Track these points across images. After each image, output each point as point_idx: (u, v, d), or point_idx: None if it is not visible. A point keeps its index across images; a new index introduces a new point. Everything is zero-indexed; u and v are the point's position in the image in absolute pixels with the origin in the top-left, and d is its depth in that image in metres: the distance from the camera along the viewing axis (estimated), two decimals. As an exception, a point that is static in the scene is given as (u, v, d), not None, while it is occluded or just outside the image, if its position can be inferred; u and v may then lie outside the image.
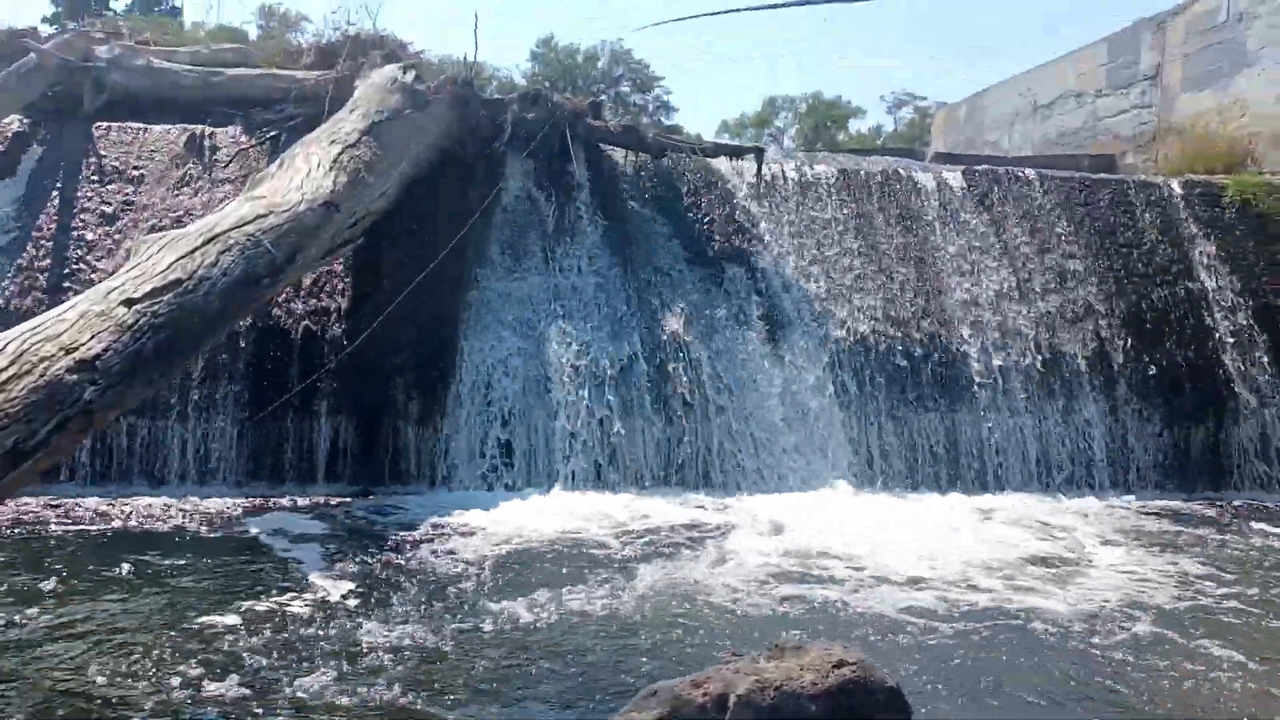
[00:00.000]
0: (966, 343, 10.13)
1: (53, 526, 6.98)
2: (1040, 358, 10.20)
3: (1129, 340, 10.50)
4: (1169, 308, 10.76)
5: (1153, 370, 10.35)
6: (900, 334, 10.06)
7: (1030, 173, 11.77)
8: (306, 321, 8.97)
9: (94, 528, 7.03)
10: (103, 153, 9.88)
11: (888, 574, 6.25)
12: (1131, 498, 9.56)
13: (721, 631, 5.08)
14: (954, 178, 11.47)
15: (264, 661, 4.42)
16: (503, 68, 25.21)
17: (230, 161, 10.03)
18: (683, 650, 4.75)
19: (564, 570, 6.22)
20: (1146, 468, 10.03)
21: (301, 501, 8.17)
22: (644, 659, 4.66)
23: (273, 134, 10.24)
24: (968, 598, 5.84)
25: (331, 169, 7.73)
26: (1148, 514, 8.87)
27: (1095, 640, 5.15)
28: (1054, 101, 16.87)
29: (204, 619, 4.99)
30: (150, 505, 7.74)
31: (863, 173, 11.36)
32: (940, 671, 4.58)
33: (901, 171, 11.54)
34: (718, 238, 10.56)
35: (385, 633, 4.86)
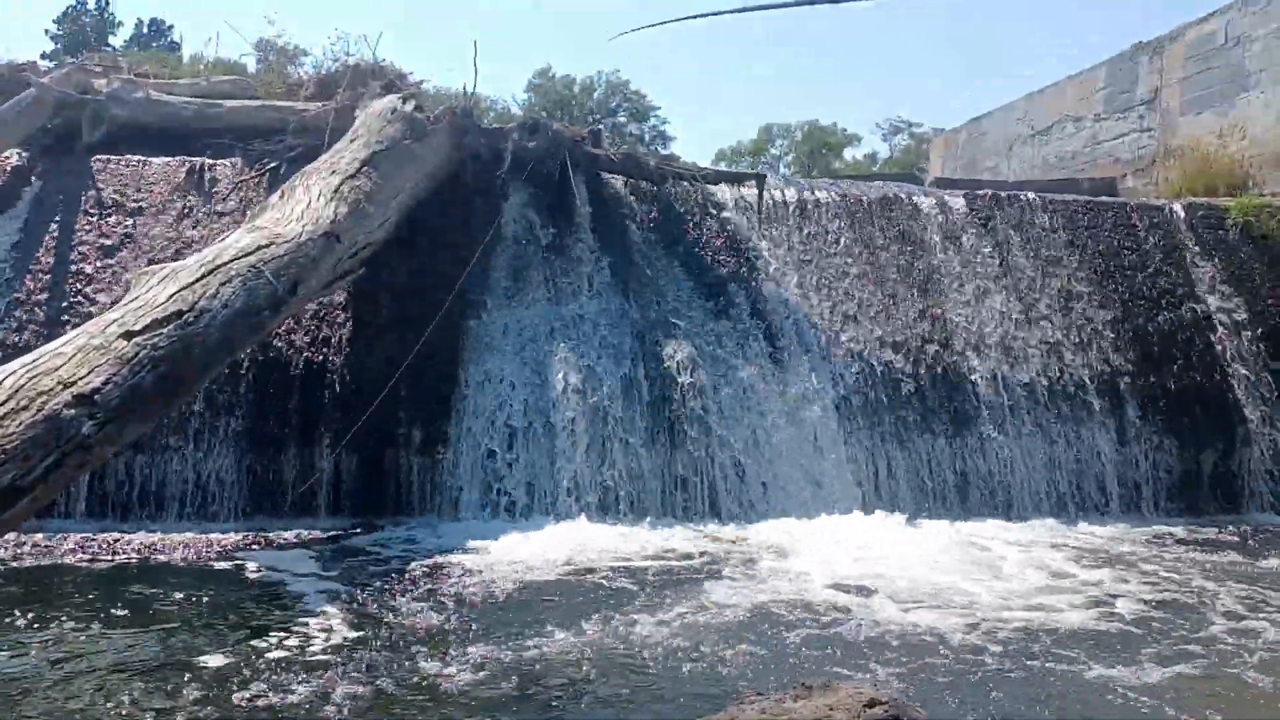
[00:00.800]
0: (972, 367, 10.05)
1: (50, 562, 6.85)
2: (1047, 382, 10.13)
3: (1136, 364, 10.44)
4: (1175, 330, 10.70)
5: (1160, 393, 10.29)
6: (905, 358, 9.99)
7: (1032, 196, 11.75)
8: (307, 353, 8.89)
9: (91, 563, 6.90)
10: (102, 185, 9.83)
11: (907, 605, 6.11)
12: (1142, 522, 9.47)
13: (738, 668, 4.93)
14: (956, 202, 11.44)
15: (259, 701, 4.30)
16: (500, 99, 25.37)
17: (230, 193, 9.98)
18: (697, 689, 4.60)
19: (569, 605, 6.08)
20: (1157, 492, 9.94)
21: (303, 535, 8.03)
22: (656, 699, 4.52)
23: (272, 165, 10.20)
24: (996, 629, 5.69)
25: (332, 199, 7.68)
26: (1166, 540, 8.77)
27: (1144, 668, 5.03)
28: (1052, 126, 16.92)
29: (200, 657, 4.86)
30: (149, 540, 7.60)
31: (864, 198, 11.33)
32: (977, 709, 4.44)
33: (903, 196, 11.52)
34: (719, 264, 10.51)
35: (386, 672, 4.73)
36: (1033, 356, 10.27)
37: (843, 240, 10.83)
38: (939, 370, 9.98)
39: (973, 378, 9.98)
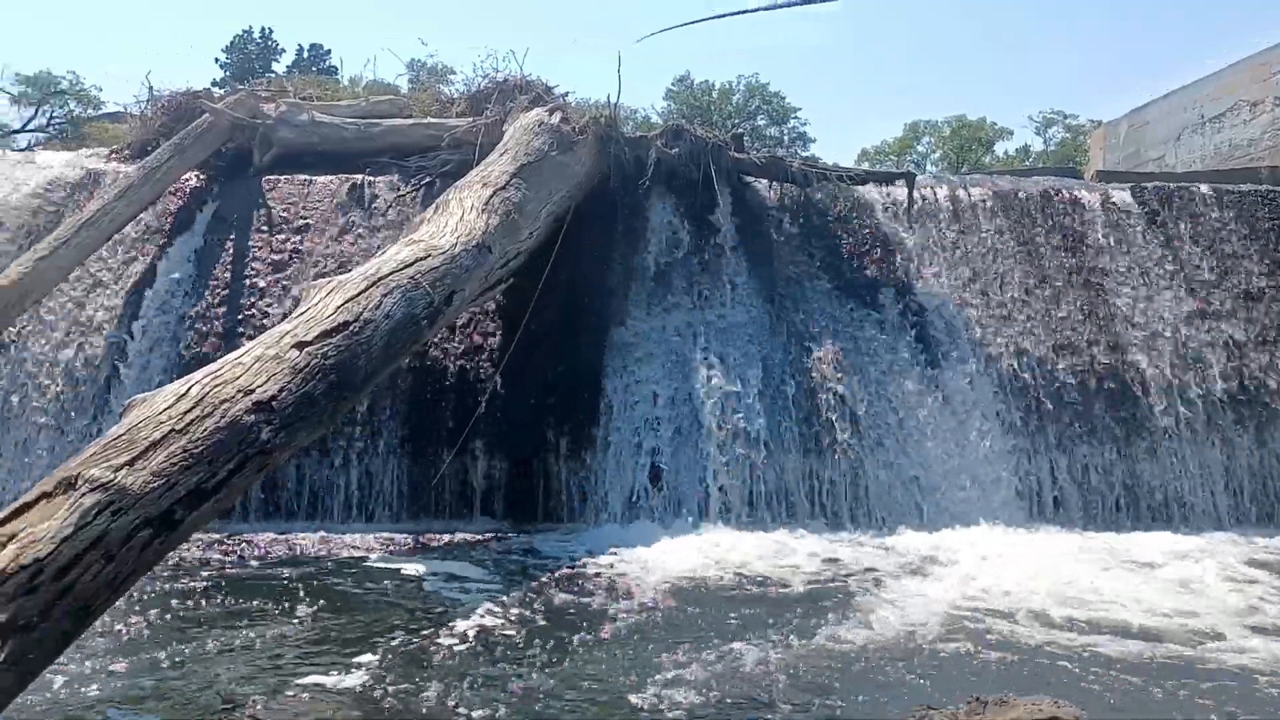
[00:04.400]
0: (1143, 370, 9.51)
1: (227, 561, 7.27)
2: (1226, 385, 9.49)
3: (1327, 364, 9.67)
4: (1373, 327, 9.87)
5: (1356, 396, 9.49)
6: (1068, 362, 9.54)
7: (1205, 188, 11.06)
8: (461, 361, 9.16)
9: (261, 562, 7.28)
10: (271, 204, 10.39)
11: (1077, 618, 5.81)
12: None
13: (902, 682, 4.78)
14: (1122, 196, 10.88)
15: (413, 700, 4.42)
16: (639, 108, 25.56)
17: (388, 208, 10.39)
18: (860, 704, 4.48)
19: (720, 613, 6.03)
20: (1354, 503, 9.16)
21: (457, 537, 8.27)
22: (821, 713, 4.42)
23: (427, 180, 10.57)
24: (1173, 648, 5.35)
25: (483, 212, 7.86)
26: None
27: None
28: (1225, 113, 15.83)
29: (361, 656, 5.05)
30: (314, 540, 7.97)
31: (1020, 194, 10.90)
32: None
33: (1063, 191, 11.01)
34: (867, 266, 10.29)
35: (537, 677, 4.78)
36: (1209, 358, 9.64)
37: (999, 238, 10.44)
38: (1106, 373, 9.47)
39: (1144, 381, 9.43)
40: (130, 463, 3.75)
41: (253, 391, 4.28)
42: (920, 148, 33.42)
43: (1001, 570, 6.99)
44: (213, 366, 4.47)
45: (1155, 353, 9.64)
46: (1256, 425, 9.33)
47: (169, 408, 4.03)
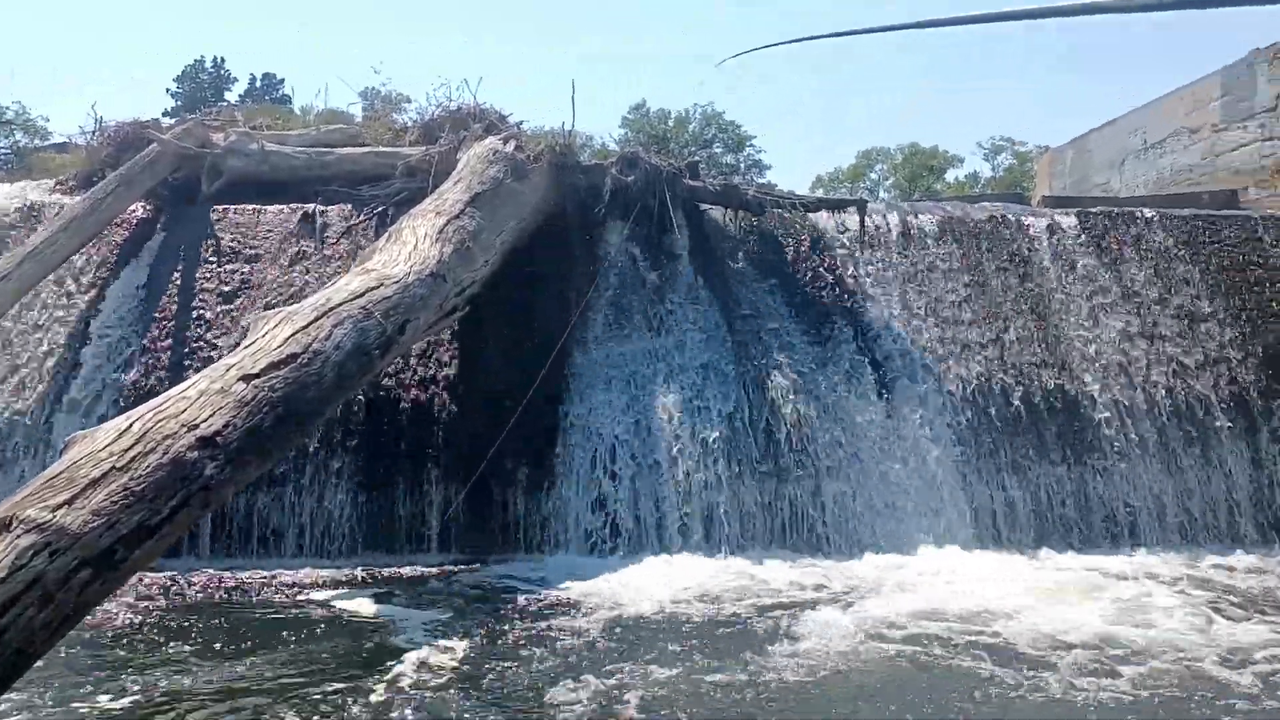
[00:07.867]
0: (1091, 391, 9.66)
1: (175, 599, 7.08)
2: (1172, 404, 9.67)
3: (1268, 383, 9.89)
4: (1311, 347, 10.11)
5: (1297, 414, 9.70)
6: (1018, 384, 9.66)
7: (1149, 212, 11.32)
8: (416, 390, 9.06)
9: (211, 600, 7.10)
10: (220, 234, 10.24)
11: (1044, 645, 5.83)
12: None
13: (860, 709, 4.76)
14: (1067, 220, 11.09)
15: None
16: (596, 135, 25.62)
17: (340, 238, 10.29)
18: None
19: (682, 642, 5.98)
20: (1300, 520, 9.35)
21: (414, 571, 8.13)
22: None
23: (380, 209, 10.49)
24: (1125, 669, 5.40)
25: (437, 240, 7.82)
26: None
27: None
28: (1166, 139, 16.26)
29: (306, 691, 4.94)
30: (266, 576, 7.79)
31: (969, 220, 11.07)
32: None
33: (1010, 216, 11.21)
34: (822, 292, 10.37)
35: (491, 712, 4.70)
36: (1155, 378, 9.82)
37: (949, 264, 10.58)
38: (1055, 394, 9.61)
39: (1092, 402, 9.59)
40: (69, 501, 3.65)
41: (197, 426, 4.19)
42: (874, 175, 33.96)
43: (957, 594, 7.01)
44: (156, 401, 4.38)
45: (1103, 374, 9.80)
46: (1202, 445, 9.51)
47: (110, 444, 3.93)
